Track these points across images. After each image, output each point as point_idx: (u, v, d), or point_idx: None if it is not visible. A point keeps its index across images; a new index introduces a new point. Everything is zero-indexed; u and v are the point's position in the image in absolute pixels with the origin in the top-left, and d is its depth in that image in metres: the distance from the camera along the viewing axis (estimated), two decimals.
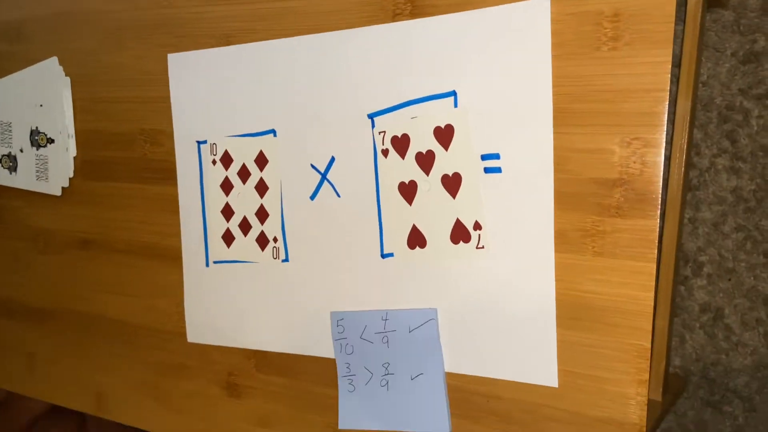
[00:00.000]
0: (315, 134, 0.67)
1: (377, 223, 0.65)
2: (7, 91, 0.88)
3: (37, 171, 0.86)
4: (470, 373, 0.62)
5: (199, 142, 0.74)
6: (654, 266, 0.55)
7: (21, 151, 0.87)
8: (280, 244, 0.70)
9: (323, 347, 0.69)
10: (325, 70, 0.66)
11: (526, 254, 0.59)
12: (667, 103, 0.53)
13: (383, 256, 0.65)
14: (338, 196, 0.67)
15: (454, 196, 0.61)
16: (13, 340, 0.94)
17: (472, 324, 0.61)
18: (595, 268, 0.57)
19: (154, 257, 0.80)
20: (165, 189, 0.78)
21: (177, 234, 0.77)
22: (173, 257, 0.78)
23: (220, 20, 0.71)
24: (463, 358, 0.63)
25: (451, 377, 0.63)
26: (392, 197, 0.64)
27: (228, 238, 0.74)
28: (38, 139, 0.85)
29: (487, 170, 0.59)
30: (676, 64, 0.82)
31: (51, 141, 0.84)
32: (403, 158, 0.63)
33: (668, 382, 0.85)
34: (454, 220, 0.61)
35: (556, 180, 0.57)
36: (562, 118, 0.56)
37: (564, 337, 0.58)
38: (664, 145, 0.54)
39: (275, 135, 0.70)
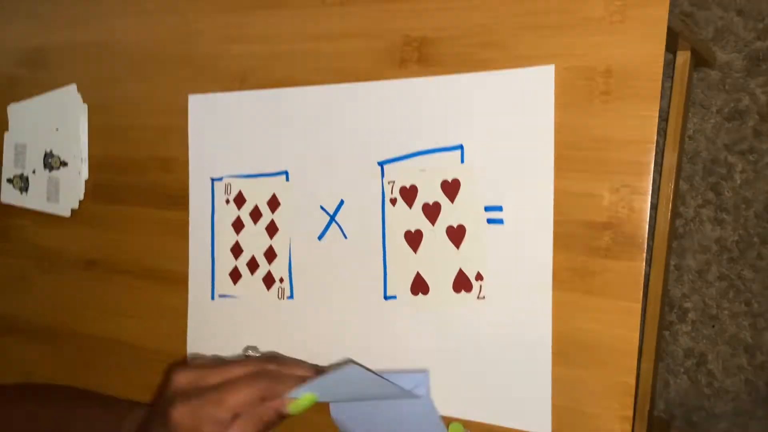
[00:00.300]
0: (326, 178, 0.70)
1: (382, 265, 0.67)
2: (25, 115, 0.92)
3: (48, 192, 0.89)
4: (469, 419, 0.64)
5: (213, 180, 0.77)
6: (640, 307, 0.58)
7: (33, 172, 0.90)
8: (285, 284, 0.73)
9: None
10: (339, 118, 0.69)
11: (524, 301, 0.61)
12: (654, 153, 0.57)
13: (386, 297, 0.68)
14: (345, 237, 0.69)
15: (458, 247, 0.64)
16: (12, 358, 0.95)
17: (470, 370, 0.63)
18: (585, 307, 0.59)
19: (158, 280, 0.82)
20: (173, 214, 0.80)
21: (182, 258, 0.80)
22: (178, 281, 0.80)
23: (238, 58, 0.75)
24: (461, 403, 0.64)
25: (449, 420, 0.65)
26: (398, 244, 0.66)
27: (235, 275, 0.76)
28: (52, 162, 0.89)
29: (489, 221, 0.62)
30: (665, 118, 0.87)
31: (64, 164, 0.87)
32: (410, 207, 0.66)
33: (652, 424, 0.87)
34: (457, 270, 0.64)
35: None
36: (557, 162, 0.60)
37: (554, 373, 0.61)
38: (650, 192, 0.57)
39: (287, 177, 0.73)
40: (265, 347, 0.74)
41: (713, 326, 0.92)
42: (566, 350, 0.60)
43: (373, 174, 0.68)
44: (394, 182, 0.66)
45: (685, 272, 0.94)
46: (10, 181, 0.93)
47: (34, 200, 0.90)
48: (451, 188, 0.64)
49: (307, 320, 0.71)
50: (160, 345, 0.82)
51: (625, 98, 0.57)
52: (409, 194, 0.66)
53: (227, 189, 0.76)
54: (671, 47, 0.85)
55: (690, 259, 0.93)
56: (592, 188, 0.59)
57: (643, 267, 0.57)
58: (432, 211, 0.65)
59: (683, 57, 0.83)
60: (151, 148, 0.82)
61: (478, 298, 0.63)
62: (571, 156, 0.59)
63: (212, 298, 0.78)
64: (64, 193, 0.88)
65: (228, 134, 0.76)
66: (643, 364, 0.85)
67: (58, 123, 0.88)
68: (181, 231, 0.80)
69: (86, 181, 0.86)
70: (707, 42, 0.94)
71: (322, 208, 0.70)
